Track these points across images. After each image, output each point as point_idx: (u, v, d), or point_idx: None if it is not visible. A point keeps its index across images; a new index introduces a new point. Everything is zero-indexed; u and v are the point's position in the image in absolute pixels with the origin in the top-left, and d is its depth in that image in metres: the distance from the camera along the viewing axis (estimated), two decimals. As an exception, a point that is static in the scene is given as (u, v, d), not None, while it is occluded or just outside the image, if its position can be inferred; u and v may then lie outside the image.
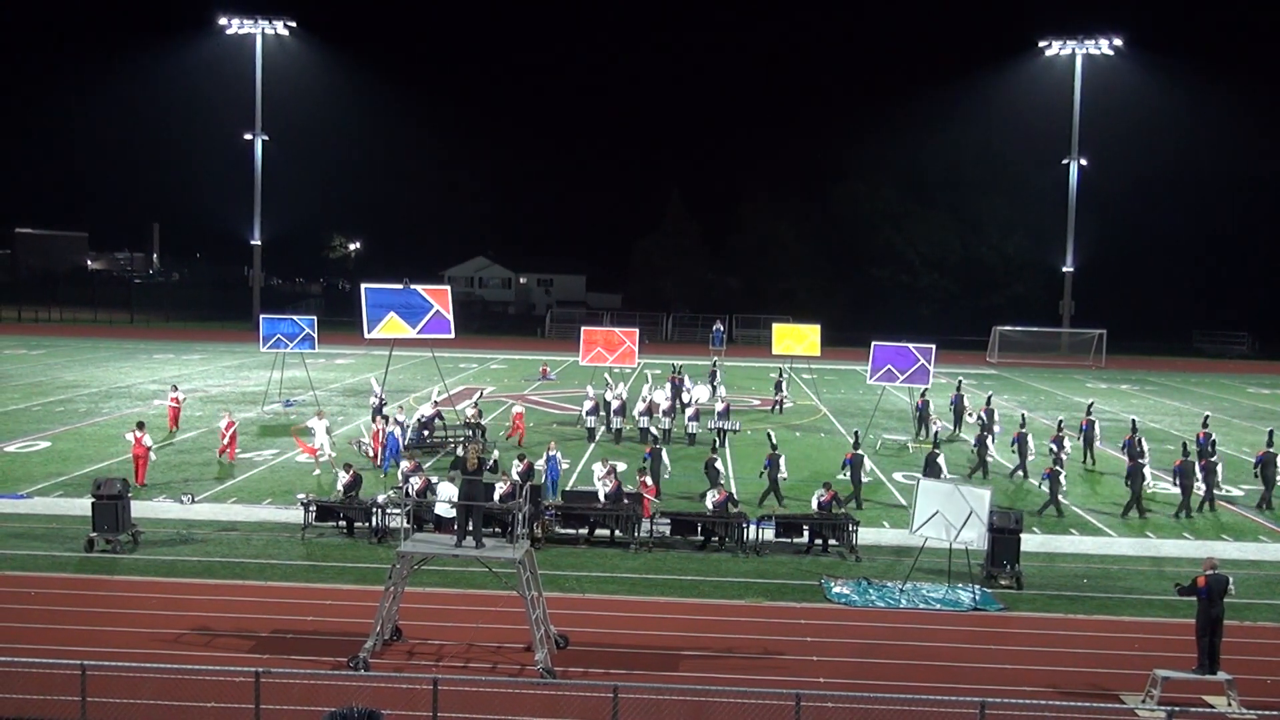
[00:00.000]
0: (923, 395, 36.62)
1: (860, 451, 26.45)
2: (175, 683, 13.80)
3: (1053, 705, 13.41)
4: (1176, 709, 12.27)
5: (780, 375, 43.79)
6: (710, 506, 22.48)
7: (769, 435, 29.01)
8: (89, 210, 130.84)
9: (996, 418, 32.93)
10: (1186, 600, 15.70)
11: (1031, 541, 22.10)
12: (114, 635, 16.23)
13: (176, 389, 34.53)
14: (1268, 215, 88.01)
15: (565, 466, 27.91)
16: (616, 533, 21.88)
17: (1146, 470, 26.77)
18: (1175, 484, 26.22)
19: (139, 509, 22.06)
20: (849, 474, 25.99)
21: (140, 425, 26.78)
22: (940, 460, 26.05)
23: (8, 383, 44.29)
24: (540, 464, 25.44)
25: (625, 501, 22.42)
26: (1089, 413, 34.27)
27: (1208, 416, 35.56)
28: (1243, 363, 76.15)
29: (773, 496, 25.19)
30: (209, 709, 13.28)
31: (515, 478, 22.16)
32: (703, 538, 21.99)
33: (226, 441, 28.89)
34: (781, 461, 25.78)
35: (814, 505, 22.66)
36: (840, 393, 48.87)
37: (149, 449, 26.35)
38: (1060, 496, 25.86)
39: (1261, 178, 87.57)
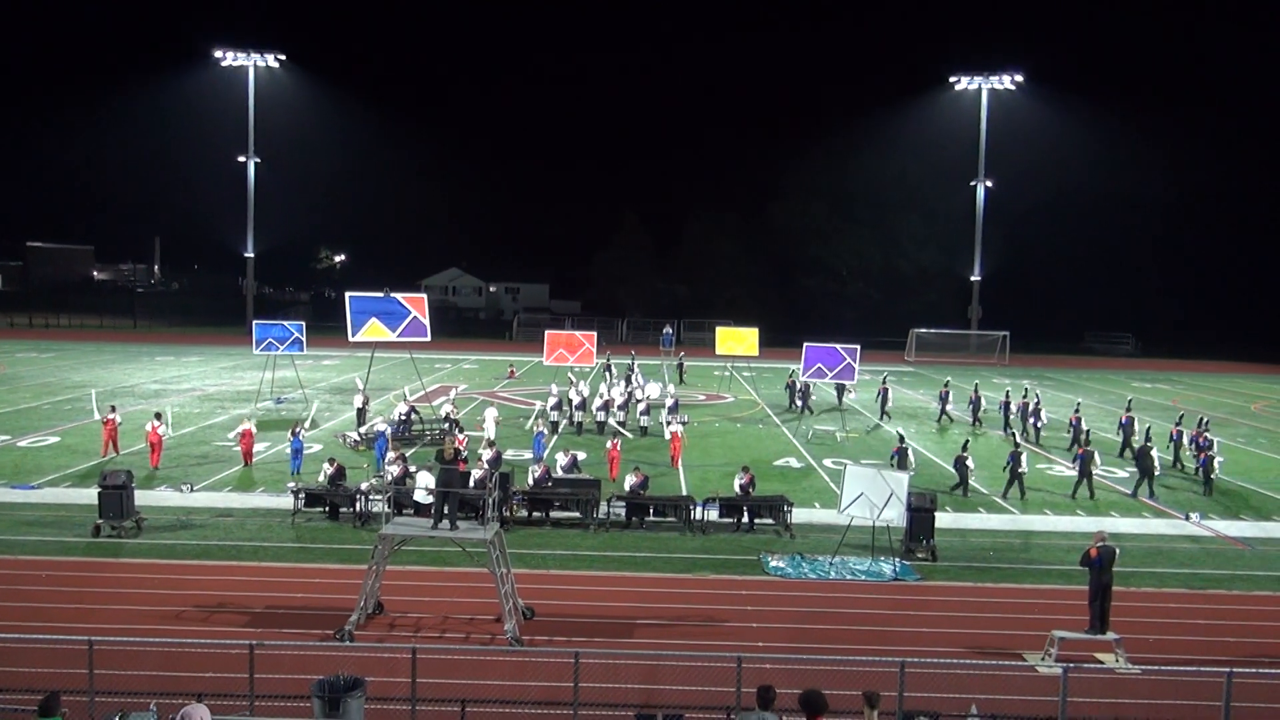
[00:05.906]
0: (790, 375, 38.52)
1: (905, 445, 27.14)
2: (176, 655, 13.61)
3: (964, 664, 13.55)
4: (1072, 665, 12.44)
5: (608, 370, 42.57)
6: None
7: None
8: (95, 225, 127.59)
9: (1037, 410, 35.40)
10: (1080, 569, 15.99)
11: (945, 519, 22.34)
12: (119, 613, 15.93)
13: (114, 410, 28.87)
14: (1150, 230, 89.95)
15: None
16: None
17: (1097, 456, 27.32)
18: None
19: (142, 497, 21.63)
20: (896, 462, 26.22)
21: (158, 416, 27.46)
22: (969, 462, 26.02)
23: (20, 383, 43.28)
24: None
25: (579, 473, 23.61)
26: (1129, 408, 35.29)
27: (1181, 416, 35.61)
28: (1128, 360, 77.61)
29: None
30: (207, 678, 13.07)
31: (485, 465, 22.06)
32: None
33: (241, 447, 27.40)
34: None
35: (735, 487, 22.83)
36: (777, 389, 48.96)
37: (163, 437, 26.90)
38: (1213, 475, 26.89)
39: (1144, 197, 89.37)
